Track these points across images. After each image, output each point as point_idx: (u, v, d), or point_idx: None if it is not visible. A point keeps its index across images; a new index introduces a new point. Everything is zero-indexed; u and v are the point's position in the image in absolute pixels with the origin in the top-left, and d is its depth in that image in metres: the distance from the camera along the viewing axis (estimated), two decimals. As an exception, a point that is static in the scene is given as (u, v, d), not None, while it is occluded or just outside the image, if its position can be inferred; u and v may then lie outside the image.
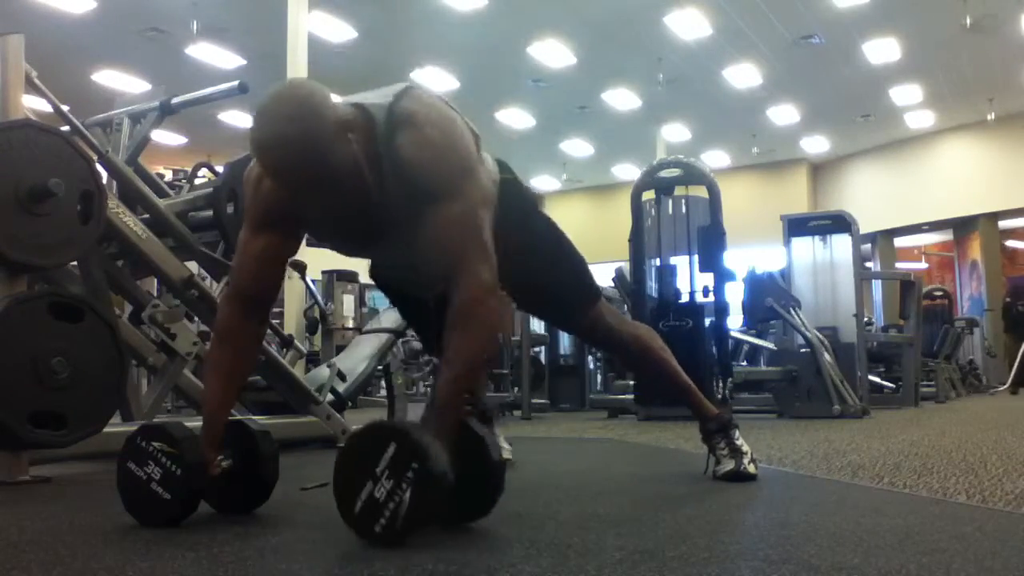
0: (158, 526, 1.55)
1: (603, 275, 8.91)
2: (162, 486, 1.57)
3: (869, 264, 16.61)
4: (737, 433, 2.22)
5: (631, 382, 6.18)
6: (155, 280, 3.36)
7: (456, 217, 1.50)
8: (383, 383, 4.57)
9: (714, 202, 5.88)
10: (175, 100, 3.24)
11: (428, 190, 1.50)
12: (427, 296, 1.80)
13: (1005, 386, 10.82)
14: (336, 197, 1.48)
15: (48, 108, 2.78)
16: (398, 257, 1.71)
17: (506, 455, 2.53)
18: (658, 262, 6.18)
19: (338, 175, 1.45)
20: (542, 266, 1.97)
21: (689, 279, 6.04)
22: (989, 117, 14.85)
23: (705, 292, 5.83)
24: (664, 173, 6.12)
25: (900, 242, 17.82)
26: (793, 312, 6.23)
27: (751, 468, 2.17)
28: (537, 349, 8.08)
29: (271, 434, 1.76)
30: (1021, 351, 10.66)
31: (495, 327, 1.50)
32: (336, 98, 1.54)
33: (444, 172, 1.51)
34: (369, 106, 1.54)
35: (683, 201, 6.24)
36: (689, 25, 11.57)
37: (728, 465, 2.16)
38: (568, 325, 2.25)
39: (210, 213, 3.10)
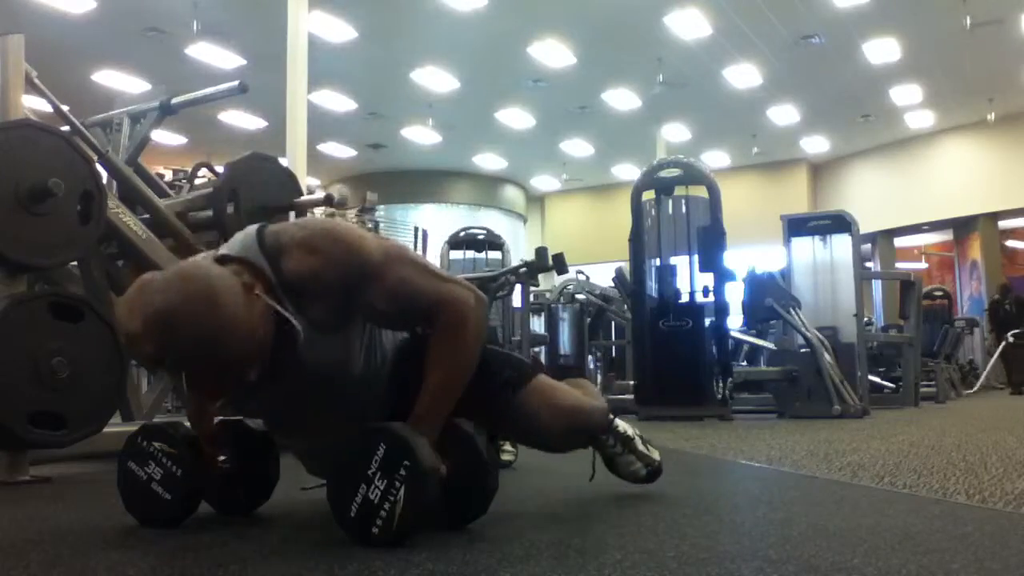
0: (158, 526, 1.55)
1: (603, 275, 8.93)
2: (162, 486, 1.57)
3: (869, 264, 16.61)
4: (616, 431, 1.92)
5: (631, 382, 6.18)
6: (155, 280, 3.35)
7: (402, 272, 1.45)
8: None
9: (714, 202, 5.88)
10: (175, 100, 3.25)
11: (348, 283, 1.40)
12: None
13: (972, 387, 10.77)
14: (252, 359, 1.33)
15: (48, 108, 2.78)
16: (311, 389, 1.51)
17: (507, 457, 2.53)
18: (658, 262, 6.18)
19: (263, 338, 1.32)
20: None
21: (689, 279, 6.04)
22: (989, 117, 14.86)
23: (705, 292, 5.83)
24: (664, 173, 6.12)
25: (900, 242, 17.82)
26: (793, 312, 6.23)
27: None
28: (537, 349, 8.08)
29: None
30: (999, 350, 10.67)
31: (480, 336, 1.48)
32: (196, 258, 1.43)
33: (353, 259, 1.40)
34: (244, 253, 1.41)
35: (683, 201, 6.24)
36: (689, 25, 11.57)
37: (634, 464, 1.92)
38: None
39: (210, 213, 3.10)
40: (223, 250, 1.45)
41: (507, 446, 2.56)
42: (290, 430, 1.66)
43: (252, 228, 1.47)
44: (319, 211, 3.69)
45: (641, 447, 1.91)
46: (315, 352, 1.43)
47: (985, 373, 10.97)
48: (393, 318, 1.52)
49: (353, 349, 1.51)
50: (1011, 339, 10.40)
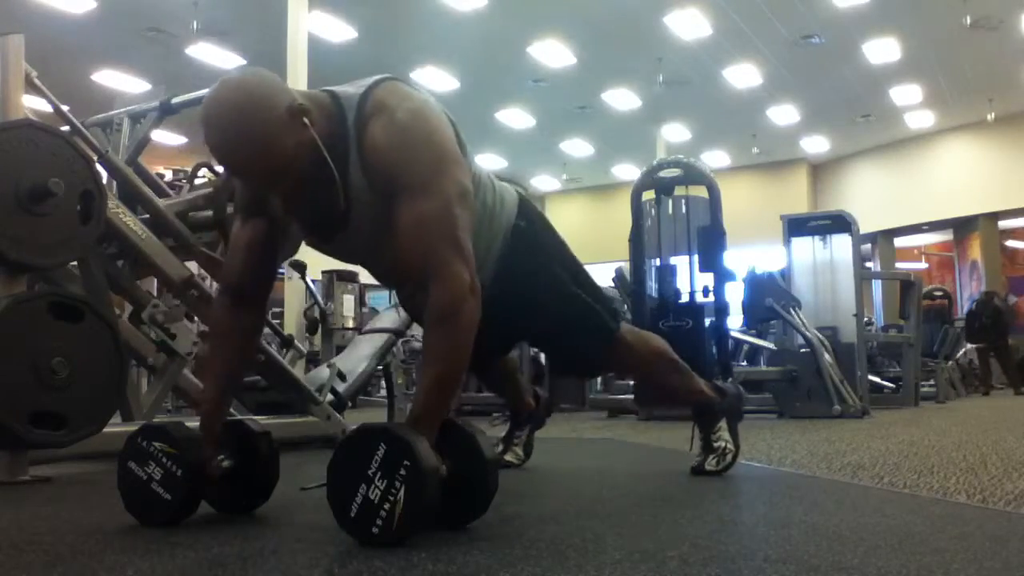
0: (158, 526, 1.55)
1: (603, 275, 8.93)
2: (162, 486, 1.57)
3: (869, 264, 16.61)
4: (719, 425, 2.23)
5: (631, 382, 6.17)
6: (155, 280, 3.36)
7: (430, 213, 1.44)
8: (383, 383, 4.57)
9: (714, 202, 5.87)
10: (175, 100, 3.25)
11: (398, 181, 1.45)
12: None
13: (974, 387, 10.93)
14: (290, 183, 1.46)
15: (48, 108, 2.78)
16: (367, 252, 1.66)
17: (511, 458, 2.52)
18: (658, 262, 6.17)
19: (288, 161, 1.41)
20: (554, 313, 1.89)
21: (689, 279, 6.04)
22: (989, 117, 14.86)
23: (705, 292, 5.82)
24: (664, 173, 6.11)
25: (900, 242, 17.82)
26: (793, 312, 6.23)
27: (711, 465, 2.22)
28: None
29: (271, 434, 1.76)
30: (968, 352, 10.92)
31: (472, 327, 1.45)
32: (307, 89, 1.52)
33: (415, 163, 1.45)
34: (341, 93, 1.51)
35: (683, 201, 6.23)
36: (689, 25, 11.58)
37: (697, 459, 2.25)
38: (593, 365, 2.16)
39: (210, 213, 3.10)
40: (337, 87, 1.54)
41: (517, 450, 2.55)
42: (373, 271, 1.78)
43: (379, 76, 1.57)
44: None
45: (710, 460, 2.21)
46: (370, 211, 1.49)
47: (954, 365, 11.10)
48: (399, 244, 1.48)
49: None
50: (983, 344, 10.72)
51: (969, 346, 11.00)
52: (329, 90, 1.53)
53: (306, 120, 1.41)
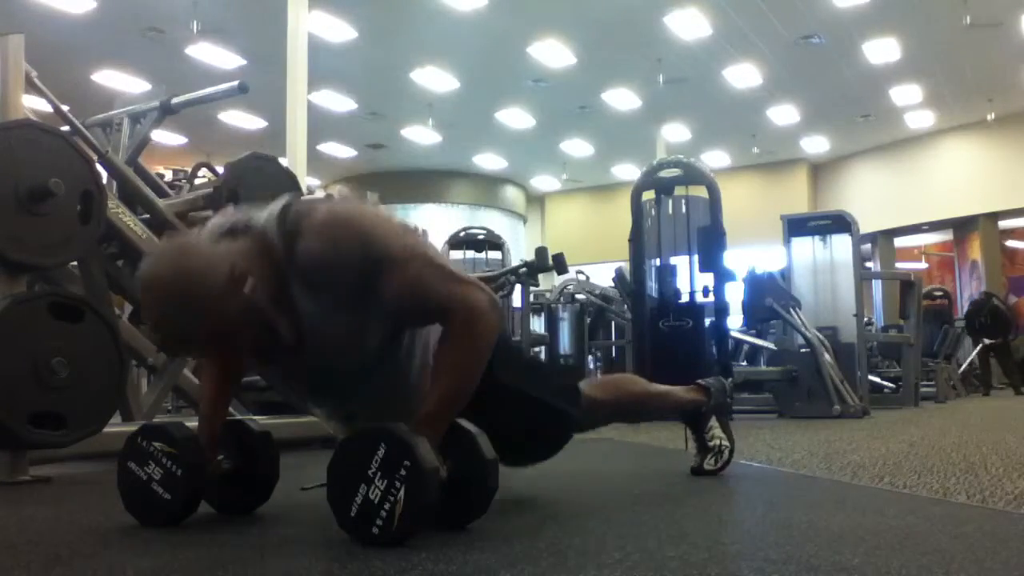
0: (158, 526, 1.55)
1: (603, 275, 8.94)
2: (162, 486, 1.57)
3: (869, 264, 16.61)
4: (711, 425, 2.24)
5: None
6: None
7: (418, 270, 1.43)
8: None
9: (714, 202, 5.87)
10: (175, 100, 3.25)
11: (360, 281, 1.40)
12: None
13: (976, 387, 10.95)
14: (238, 341, 1.42)
15: (48, 108, 2.78)
16: (318, 367, 1.54)
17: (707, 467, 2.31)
18: (658, 262, 6.17)
19: (234, 327, 1.37)
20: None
21: (689, 279, 6.04)
22: (989, 117, 14.86)
23: (705, 292, 5.82)
24: (664, 173, 6.11)
25: (900, 242, 17.82)
26: (793, 312, 6.23)
27: (709, 465, 2.23)
28: (537, 349, 8.08)
29: (271, 434, 1.76)
30: (974, 353, 10.90)
31: (492, 342, 1.47)
32: (220, 219, 1.46)
33: (365, 255, 1.39)
34: (261, 228, 1.42)
35: (683, 201, 6.23)
36: (689, 25, 11.57)
37: (695, 460, 2.26)
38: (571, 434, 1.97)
39: (210, 213, 3.10)
40: (250, 216, 1.45)
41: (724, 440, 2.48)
42: (309, 401, 1.69)
43: (281, 201, 1.45)
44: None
45: (708, 459, 2.22)
46: (325, 331, 1.43)
47: (961, 369, 11.08)
48: (407, 313, 1.49)
49: (370, 335, 1.48)
50: (985, 341, 10.67)
51: (970, 347, 11.03)
52: (240, 222, 1.44)
53: (248, 284, 1.35)
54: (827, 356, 5.91)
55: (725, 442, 2.24)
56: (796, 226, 7.04)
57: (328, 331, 1.44)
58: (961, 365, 10.81)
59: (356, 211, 1.46)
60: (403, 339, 1.57)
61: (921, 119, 15.79)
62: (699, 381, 2.25)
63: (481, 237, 7.95)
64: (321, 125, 13.09)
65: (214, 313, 1.33)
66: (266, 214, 1.44)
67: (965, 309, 15.24)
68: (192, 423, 1.71)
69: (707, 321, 5.73)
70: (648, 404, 2.16)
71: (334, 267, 1.39)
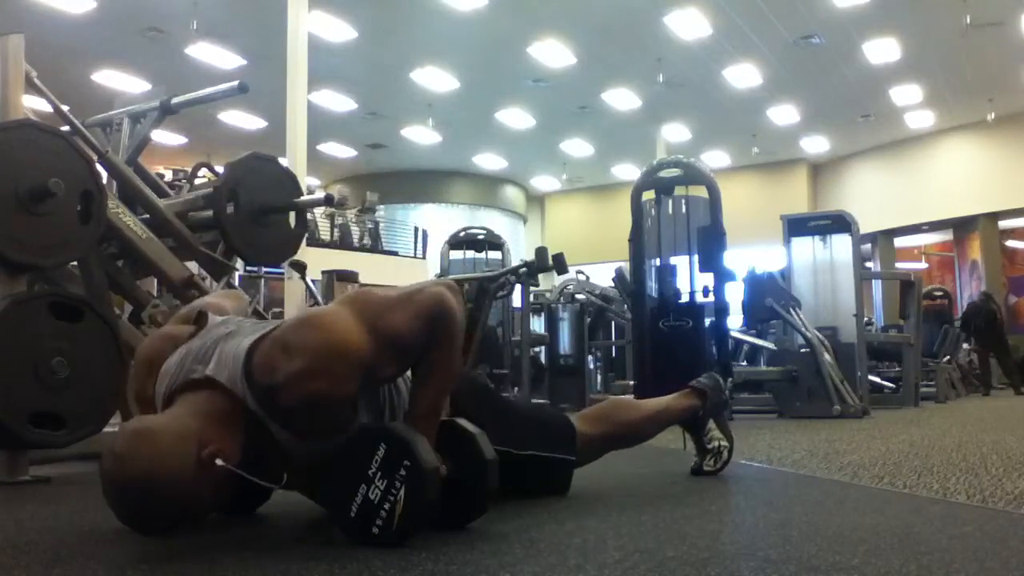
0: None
1: (603, 275, 8.94)
2: None
3: (869, 264, 16.61)
4: (708, 427, 2.24)
5: (631, 382, 6.18)
6: (155, 280, 3.36)
7: (392, 338, 1.39)
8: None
9: (714, 202, 5.86)
10: (175, 100, 3.25)
11: (352, 382, 1.36)
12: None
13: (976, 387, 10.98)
14: (204, 510, 1.37)
15: (48, 108, 2.78)
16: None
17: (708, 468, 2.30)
18: (658, 262, 6.17)
19: (211, 500, 1.32)
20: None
21: (689, 279, 6.03)
22: (989, 117, 14.87)
23: (705, 292, 5.82)
24: (664, 173, 6.11)
25: (900, 242, 17.83)
26: (793, 312, 6.22)
27: (708, 466, 2.25)
28: (537, 349, 8.08)
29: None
30: (968, 352, 10.98)
31: (461, 323, 1.47)
32: (178, 360, 1.41)
33: (341, 364, 1.33)
34: (221, 381, 1.35)
35: (683, 201, 6.22)
36: (689, 25, 11.58)
37: (695, 461, 2.28)
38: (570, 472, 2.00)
39: (210, 213, 3.09)
40: (213, 371, 1.36)
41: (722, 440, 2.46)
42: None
43: (242, 350, 1.36)
44: (319, 211, 3.70)
45: (708, 460, 2.24)
46: (306, 447, 1.39)
47: (957, 366, 11.14)
48: (406, 364, 1.47)
49: (351, 419, 1.43)
50: (974, 344, 10.80)
51: (965, 346, 11.05)
52: (204, 376, 1.36)
53: (218, 459, 1.28)
54: (827, 356, 5.91)
55: (724, 442, 2.24)
56: (796, 226, 7.03)
57: (311, 446, 1.39)
58: (962, 366, 10.81)
59: (313, 318, 1.38)
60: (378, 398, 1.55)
61: (921, 119, 15.80)
62: (692, 383, 2.25)
63: (481, 237, 7.94)
64: (321, 125, 13.10)
65: (187, 498, 1.27)
66: (229, 367, 1.35)
67: (963, 308, 15.31)
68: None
69: (707, 321, 5.72)
70: (643, 428, 2.17)
71: (326, 397, 1.33)
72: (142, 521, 1.29)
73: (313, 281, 9.14)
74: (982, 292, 12.43)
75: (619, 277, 7.23)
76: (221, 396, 1.34)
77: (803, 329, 6.10)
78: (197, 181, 3.70)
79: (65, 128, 2.70)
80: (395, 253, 16.58)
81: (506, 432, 1.76)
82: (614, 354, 9.30)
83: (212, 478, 1.28)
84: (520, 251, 16.69)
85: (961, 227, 16.71)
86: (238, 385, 1.33)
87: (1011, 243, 16.93)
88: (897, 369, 8.11)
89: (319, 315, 1.39)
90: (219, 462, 1.27)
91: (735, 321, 6.74)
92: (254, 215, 3.13)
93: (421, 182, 18.42)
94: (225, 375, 1.35)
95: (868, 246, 16.79)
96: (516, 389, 6.99)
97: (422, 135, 16.04)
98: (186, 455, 1.25)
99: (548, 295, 9.01)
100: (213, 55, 11.84)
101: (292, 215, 3.33)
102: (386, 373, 1.45)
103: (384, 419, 1.53)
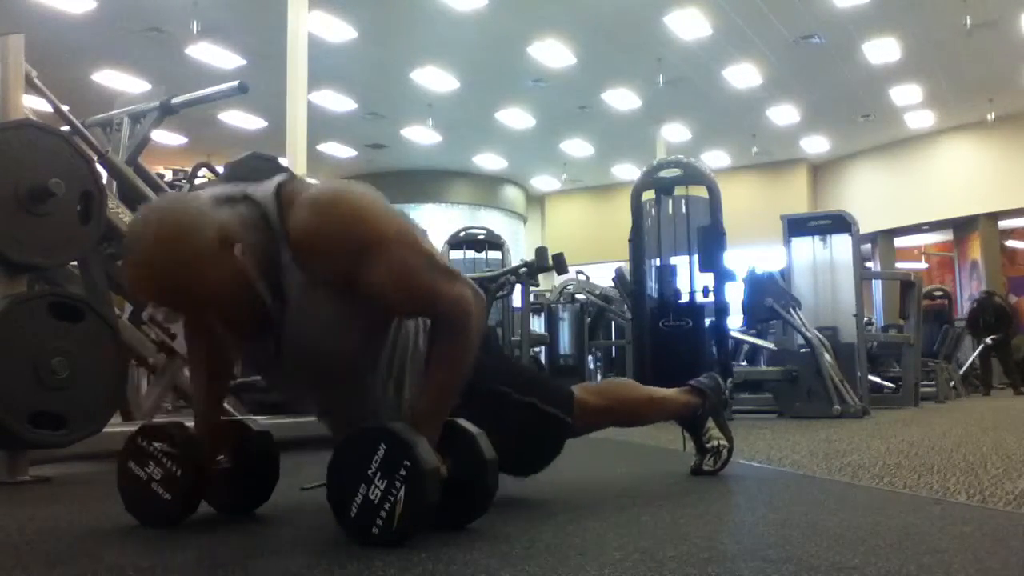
0: (158, 526, 1.55)
1: (603, 275, 8.94)
2: (162, 486, 1.57)
3: (869, 264, 16.61)
4: (708, 427, 2.24)
5: (631, 382, 6.17)
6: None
7: (404, 258, 1.41)
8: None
9: (714, 202, 5.87)
10: (175, 100, 3.25)
11: (351, 251, 1.38)
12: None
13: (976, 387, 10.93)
14: (225, 310, 1.40)
15: (48, 108, 2.78)
16: (296, 356, 1.50)
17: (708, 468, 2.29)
18: (658, 262, 6.17)
19: (222, 292, 1.35)
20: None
21: (689, 279, 6.04)
22: (989, 117, 14.86)
23: (705, 292, 5.82)
24: (664, 173, 6.12)
25: (900, 242, 17.82)
26: (793, 312, 6.23)
27: (708, 466, 2.24)
28: (537, 349, 8.08)
29: (271, 434, 1.76)
30: (976, 353, 10.87)
31: (479, 337, 1.47)
32: (219, 188, 1.46)
33: (361, 224, 1.39)
34: (254, 195, 1.42)
35: (683, 201, 6.23)
36: (689, 25, 11.57)
37: (694, 461, 2.27)
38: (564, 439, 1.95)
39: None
40: (248, 188, 1.45)
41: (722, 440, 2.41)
42: (292, 390, 1.69)
43: (279, 178, 1.46)
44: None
45: (707, 460, 2.23)
46: (308, 309, 1.42)
47: (963, 370, 11.05)
48: (393, 302, 1.48)
49: (352, 322, 1.46)
50: (989, 341, 10.64)
51: (969, 347, 11.01)
52: (238, 192, 1.44)
53: (236, 248, 1.34)
54: (827, 356, 5.91)
55: (723, 442, 2.24)
56: (796, 226, 7.03)
57: (312, 310, 1.42)
58: (962, 365, 10.80)
59: (352, 191, 1.45)
60: (383, 343, 1.56)
61: (921, 119, 15.79)
62: (692, 382, 2.24)
63: (481, 237, 7.95)
64: (321, 125, 13.10)
65: (199, 271, 1.31)
66: (263, 186, 1.44)
67: (965, 309, 15.29)
68: (192, 423, 1.71)
69: (707, 321, 5.73)
70: (644, 411, 2.16)
71: (325, 242, 1.37)
72: (155, 283, 1.33)
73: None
74: (984, 291, 12.43)
75: (619, 277, 7.24)
76: (250, 210, 1.40)
77: (803, 329, 6.10)
78: (197, 181, 3.71)
79: (65, 128, 2.70)
80: (395, 253, 16.53)
81: (509, 375, 1.78)
82: (614, 354, 9.31)
83: (229, 265, 1.33)
84: (520, 251, 16.68)
85: (961, 227, 16.70)
86: (268, 203, 1.40)
87: (1011, 243, 16.93)
88: (897, 369, 8.12)
89: (368, 202, 1.43)
90: (237, 249, 1.33)
91: (735, 321, 6.74)
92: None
93: (421, 182, 18.41)
94: (260, 191, 1.42)
95: (868, 246, 16.78)
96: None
97: (422, 135, 16.04)
98: (208, 229, 1.32)
99: (548, 295, 9.02)
100: (213, 55, 11.83)
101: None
102: (372, 284, 1.40)
103: (389, 367, 1.56)
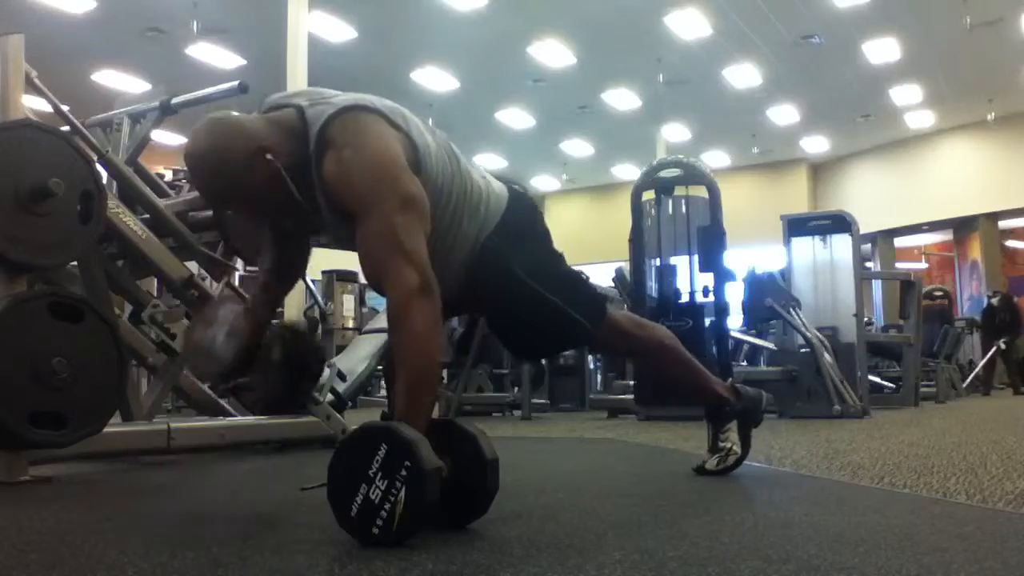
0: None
1: (603, 275, 8.94)
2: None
3: (869, 264, 16.61)
4: (728, 427, 2.22)
5: (631, 382, 6.18)
6: (155, 280, 3.36)
7: (373, 229, 1.51)
8: (383, 383, 4.57)
9: (714, 202, 5.88)
10: (175, 100, 3.24)
11: (348, 208, 1.55)
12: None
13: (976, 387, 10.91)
14: (268, 208, 1.65)
15: (48, 108, 2.78)
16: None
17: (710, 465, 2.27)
18: (658, 262, 6.18)
19: (252, 191, 1.57)
20: (530, 304, 1.81)
21: (689, 279, 6.04)
22: (989, 117, 14.86)
23: (705, 292, 5.82)
24: (664, 173, 6.12)
25: (900, 242, 17.82)
26: (793, 312, 6.23)
27: (711, 465, 2.23)
28: (537, 349, 8.06)
29: (315, 333, 1.76)
30: (990, 354, 10.87)
31: (428, 327, 1.45)
32: (300, 98, 1.64)
33: (356, 191, 1.54)
34: (310, 116, 1.59)
35: (683, 201, 6.23)
36: (689, 25, 11.57)
37: (703, 459, 2.26)
38: (583, 346, 2.19)
39: (210, 213, 3.10)
40: (309, 102, 1.62)
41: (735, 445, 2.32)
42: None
43: (332, 110, 1.58)
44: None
45: (713, 461, 2.22)
46: (335, 222, 1.60)
47: (974, 373, 11.03)
48: (363, 264, 1.57)
49: None
50: (1003, 345, 10.66)
51: (969, 347, 11.00)
52: (301, 107, 1.62)
53: (269, 155, 1.55)
54: (827, 356, 5.91)
55: (736, 448, 2.21)
56: (796, 226, 7.03)
57: (339, 221, 1.60)
58: (962, 366, 10.78)
59: (369, 161, 1.55)
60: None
61: (921, 119, 15.80)
62: (737, 385, 2.24)
63: (481, 237, 7.94)
64: (321, 125, 13.07)
65: (235, 176, 1.55)
66: (321, 108, 1.59)
67: (966, 308, 15.29)
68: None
69: (707, 321, 5.73)
70: (672, 360, 2.10)
71: (338, 197, 1.55)
72: (206, 189, 1.63)
73: (313, 281, 9.16)
74: (994, 291, 12.40)
75: (619, 277, 7.24)
76: (299, 120, 1.59)
77: (803, 329, 6.10)
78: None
79: (65, 128, 2.70)
80: (395, 253, 16.54)
81: (542, 269, 1.83)
82: (614, 354, 9.29)
83: (263, 170, 1.54)
84: (520, 251, 16.65)
85: (961, 227, 16.70)
86: (314, 128, 1.56)
87: (1011, 243, 16.93)
88: (896, 369, 8.12)
89: (380, 173, 1.55)
90: (269, 156, 1.54)
91: (735, 321, 6.74)
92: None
93: (421, 182, 18.42)
94: (312, 112, 1.59)
95: (868, 246, 16.78)
96: (516, 389, 7.00)
97: (422, 135, 16.04)
98: (247, 144, 1.55)
99: (548, 295, 8.98)
100: (213, 55, 11.83)
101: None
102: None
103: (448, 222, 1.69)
